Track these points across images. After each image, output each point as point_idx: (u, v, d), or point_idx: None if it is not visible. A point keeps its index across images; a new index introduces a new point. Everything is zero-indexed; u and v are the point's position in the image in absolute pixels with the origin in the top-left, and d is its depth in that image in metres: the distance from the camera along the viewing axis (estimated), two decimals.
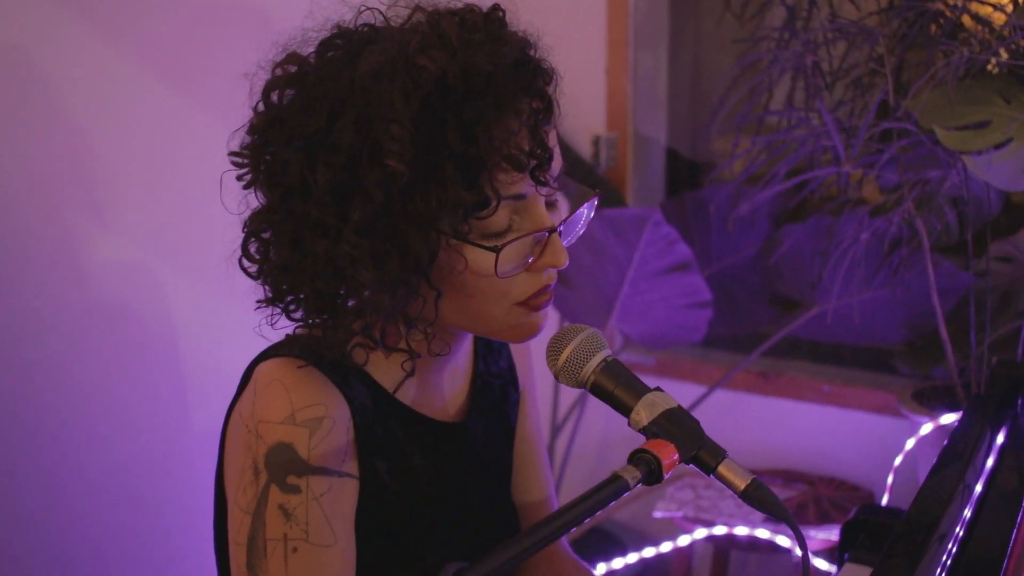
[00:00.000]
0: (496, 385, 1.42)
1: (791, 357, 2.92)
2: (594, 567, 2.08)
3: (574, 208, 1.21)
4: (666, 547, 2.55)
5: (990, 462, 1.61)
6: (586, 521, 0.98)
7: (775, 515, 1.05)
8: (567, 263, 1.17)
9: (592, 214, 1.25)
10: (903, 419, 2.43)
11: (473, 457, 1.36)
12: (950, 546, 1.31)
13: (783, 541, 2.44)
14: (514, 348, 1.48)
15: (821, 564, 2.41)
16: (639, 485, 1.01)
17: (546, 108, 1.13)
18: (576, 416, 2.87)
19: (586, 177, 2.88)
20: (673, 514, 2.58)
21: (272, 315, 1.18)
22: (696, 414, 1.09)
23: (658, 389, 1.10)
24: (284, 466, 1.13)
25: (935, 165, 2.27)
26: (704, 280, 2.56)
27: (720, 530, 2.48)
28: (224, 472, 1.24)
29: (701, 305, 2.55)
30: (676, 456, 1.03)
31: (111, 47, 2.22)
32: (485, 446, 1.39)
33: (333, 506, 1.16)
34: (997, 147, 2.10)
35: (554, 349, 1.11)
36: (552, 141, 1.15)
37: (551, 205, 1.18)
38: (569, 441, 2.85)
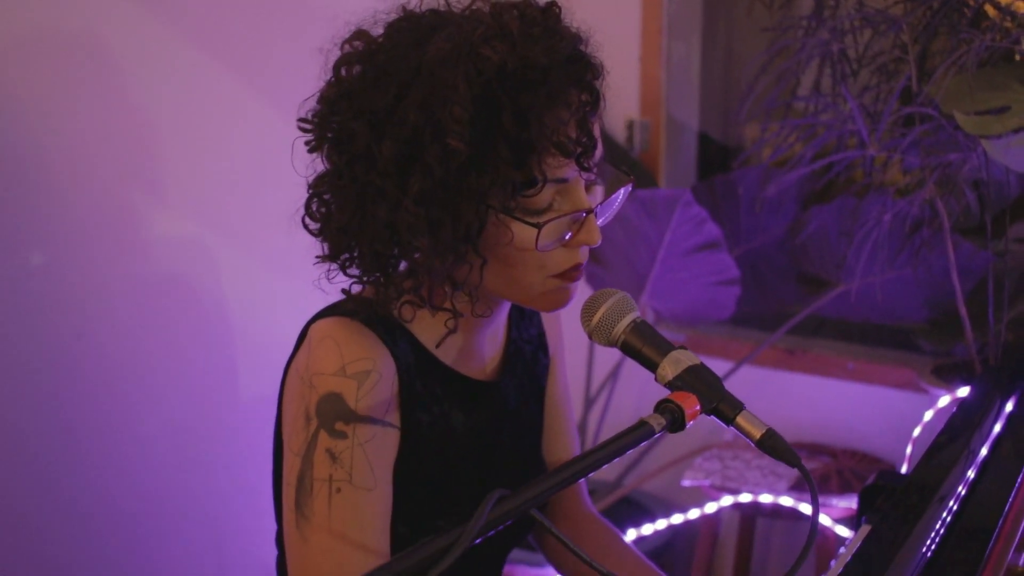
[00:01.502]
0: (527, 350, 1.53)
1: (817, 335, 3.02)
2: (624, 534, 2.19)
3: (610, 191, 1.32)
4: (694, 514, 2.67)
5: (998, 427, 1.70)
6: (615, 460, 1.08)
7: (788, 462, 1.15)
8: (600, 241, 1.29)
9: (625, 198, 1.36)
10: (923, 394, 2.53)
11: (506, 415, 1.47)
12: (951, 504, 1.41)
13: (806, 509, 2.54)
14: (545, 317, 1.59)
15: (843, 531, 2.51)
16: (664, 432, 1.12)
17: (594, 101, 1.23)
18: (608, 391, 2.98)
19: (620, 160, 2.98)
20: (701, 483, 2.69)
21: (329, 270, 1.29)
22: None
23: (682, 347, 1.21)
24: (333, 414, 1.24)
25: (956, 149, 2.35)
26: (732, 259, 2.66)
27: (746, 498, 2.59)
28: (281, 421, 1.36)
29: (729, 283, 2.66)
30: (698, 407, 1.13)
31: (169, 28, 2.34)
32: (517, 405, 1.49)
33: (376, 453, 1.27)
34: (1016, 131, 2.19)
35: (589, 310, 1.22)
36: (596, 131, 1.26)
37: (589, 188, 1.29)
38: (602, 415, 2.96)
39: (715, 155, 3.27)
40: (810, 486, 1.14)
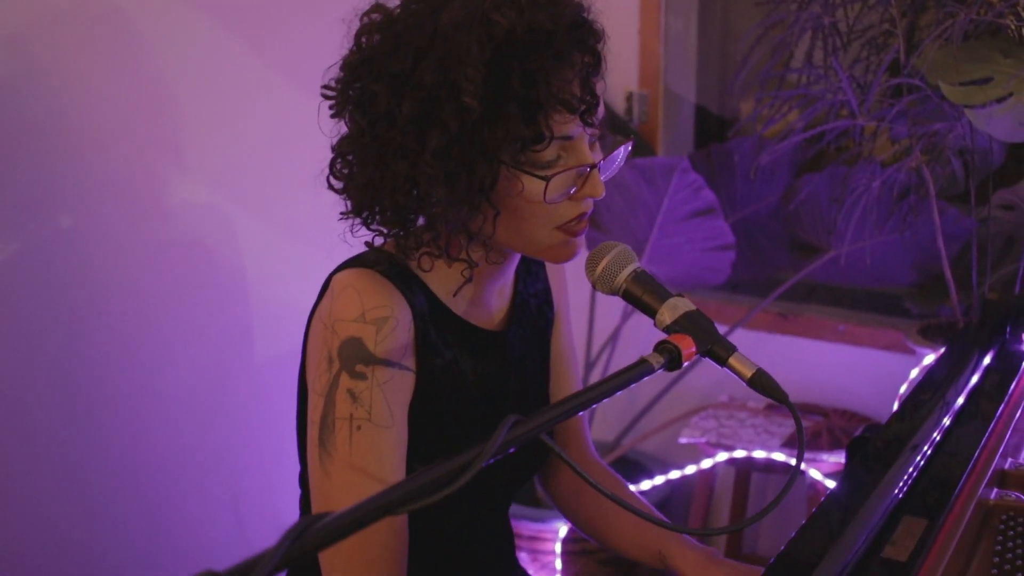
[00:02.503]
0: (533, 304, 1.63)
1: (809, 300, 3.13)
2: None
3: (609, 151, 1.43)
4: (690, 470, 2.78)
5: (974, 379, 1.81)
6: (617, 394, 1.18)
7: (777, 399, 1.25)
8: (604, 195, 1.39)
9: (626, 157, 1.46)
10: (910, 354, 2.64)
11: (512, 364, 1.57)
12: (926, 450, 1.51)
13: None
14: (550, 274, 1.68)
15: (832, 484, 2.62)
16: (662, 369, 1.22)
17: (596, 62, 1.34)
18: (608, 354, 3.09)
19: (620, 130, 3.09)
20: (697, 440, 2.80)
21: (353, 226, 1.40)
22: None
23: (680, 295, 1.31)
24: (354, 356, 1.34)
25: (942, 118, 2.46)
26: (728, 225, 2.77)
27: (740, 454, 2.70)
28: (306, 365, 1.47)
29: (724, 248, 2.76)
30: (693, 348, 1.23)
31: (190, 3, 2.44)
32: (523, 355, 1.60)
33: (393, 393, 1.37)
34: (998, 101, 2.30)
35: (593, 261, 1.32)
36: (599, 90, 1.36)
37: (592, 145, 1.39)
38: (602, 375, 3.07)
39: (712, 126, 3.37)
40: (796, 421, 1.24)
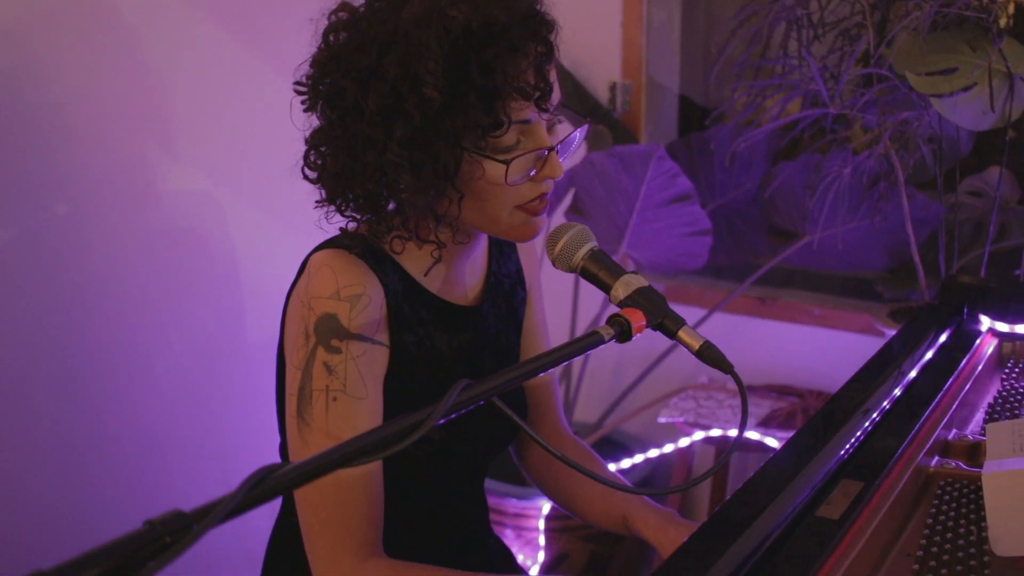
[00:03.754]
0: (506, 283, 1.72)
1: (787, 285, 3.22)
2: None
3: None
4: (668, 448, 2.87)
5: (929, 355, 1.90)
6: (568, 363, 1.27)
7: (723, 369, 1.32)
8: (562, 175, 1.48)
9: (583, 138, 1.54)
10: (881, 336, 2.72)
11: (486, 340, 1.65)
12: (874, 416, 1.60)
13: (771, 442, 2.74)
14: (523, 255, 1.76)
15: None
16: (612, 340, 1.30)
17: (548, 51, 1.42)
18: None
19: (602, 119, 3.17)
20: (675, 419, 2.88)
21: (328, 213, 1.48)
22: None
23: (634, 272, 1.39)
24: (329, 331, 1.42)
25: (910, 108, 2.54)
26: (705, 211, 2.84)
27: (715, 433, 2.79)
28: (284, 341, 1.55)
29: (702, 233, 2.84)
30: (644, 322, 1.31)
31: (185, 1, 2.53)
32: (496, 332, 1.68)
33: (367, 367, 1.45)
34: (964, 90, 2.37)
35: (552, 240, 1.41)
36: (552, 77, 1.44)
37: (551, 129, 1.48)
38: (584, 359, 3.16)
39: (696, 116, 3.45)
40: (740, 391, 1.31)
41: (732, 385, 3.06)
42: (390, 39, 1.37)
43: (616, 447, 3.19)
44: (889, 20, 2.63)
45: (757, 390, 3.04)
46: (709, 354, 1.32)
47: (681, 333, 1.33)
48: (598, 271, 1.38)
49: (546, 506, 2.94)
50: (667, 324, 1.33)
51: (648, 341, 3.00)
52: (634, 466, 2.92)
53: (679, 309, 3.06)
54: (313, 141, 1.47)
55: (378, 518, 1.47)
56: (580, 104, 3.15)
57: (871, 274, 2.97)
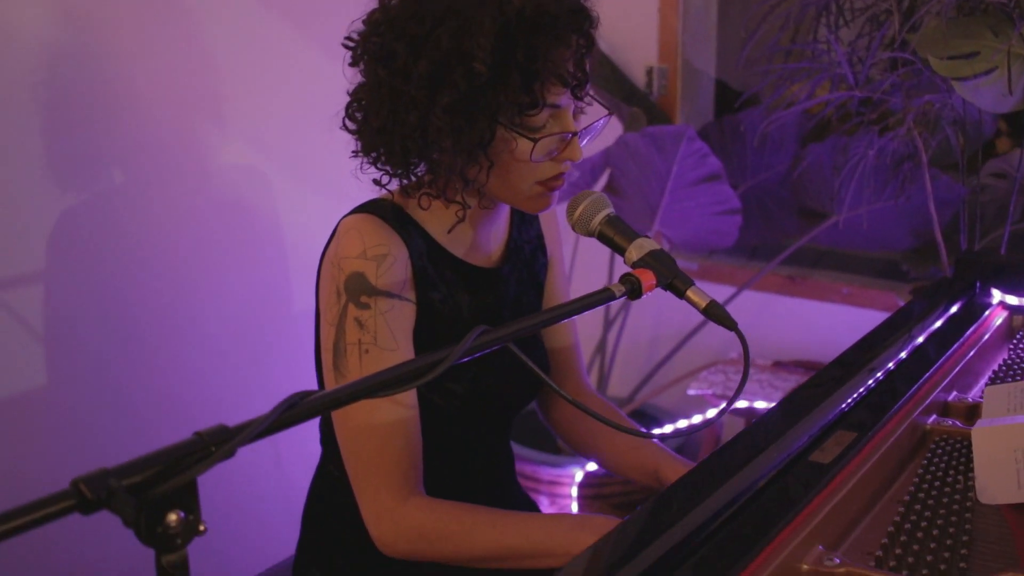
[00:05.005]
0: (527, 249, 1.83)
1: (817, 265, 3.30)
2: None
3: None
4: (697, 419, 2.97)
5: (939, 323, 1.99)
6: (576, 316, 1.36)
7: (727, 326, 1.42)
8: (581, 158, 1.59)
9: (604, 127, 1.64)
10: None
11: (507, 301, 1.76)
12: (878, 374, 1.70)
13: None
14: (544, 224, 1.88)
15: None
16: (624, 297, 1.40)
17: (588, 44, 1.54)
18: (625, 312, 3.28)
19: (639, 103, 3.26)
20: (704, 392, 2.98)
21: (362, 165, 1.59)
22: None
23: (647, 236, 1.50)
24: (358, 289, 1.54)
25: (934, 91, 2.61)
26: (738, 192, 2.94)
27: (742, 404, 2.88)
28: (319, 302, 1.67)
29: (731, 212, 2.93)
30: (654, 280, 1.41)
31: None
32: (517, 294, 1.79)
33: (395, 321, 1.57)
34: (986, 74, 2.45)
35: (572, 206, 1.51)
36: (588, 68, 1.56)
37: (576, 115, 1.59)
38: (619, 333, 3.26)
39: (731, 100, 3.53)
40: (743, 348, 1.41)
41: (761, 360, 3.16)
42: (445, 11, 1.48)
43: (648, 419, 3.30)
44: (916, 6, 2.71)
45: (786, 365, 3.13)
46: (715, 312, 1.41)
47: (689, 292, 1.43)
48: (614, 235, 1.48)
49: (579, 474, 3.05)
50: (676, 284, 1.43)
51: (682, 317, 3.11)
52: (664, 437, 3.02)
53: (712, 287, 3.19)
54: (357, 95, 1.58)
55: (417, 460, 1.58)
56: (617, 88, 3.25)
57: (897, 254, 3.05)
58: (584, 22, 1.52)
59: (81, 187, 2.43)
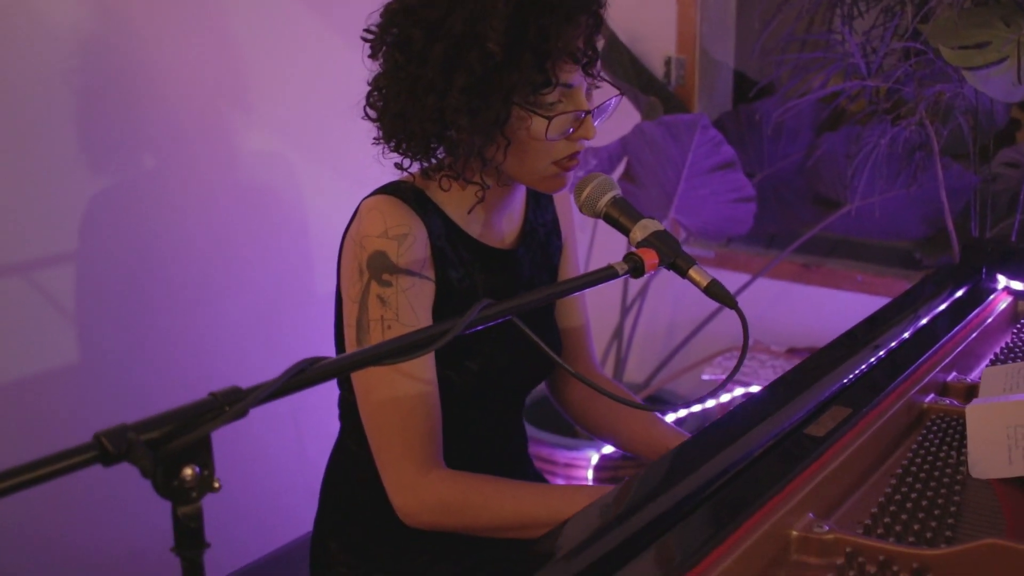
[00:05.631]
0: (541, 232, 1.87)
1: (832, 254, 3.34)
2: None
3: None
4: (710, 404, 3.02)
5: (942, 307, 2.03)
6: (589, 299, 1.42)
7: (728, 304, 1.46)
8: (595, 137, 1.63)
9: (616, 107, 1.69)
10: None
11: (522, 282, 1.80)
12: (880, 353, 1.74)
13: None
14: (558, 207, 1.92)
15: None
16: (627, 275, 1.45)
17: (597, 23, 1.59)
18: (642, 299, 3.32)
19: (657, 93, 3.31)
20: (717, 377, 3.03)
21: (383, 151, 1.65)
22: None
23: (652, 218, 1.54)
24: (380, 267, 1.59)
25: (946, 81, 2.65)
26: (754, 181, 2.98)
27: (755, 389, 2.93)
28: (340, 280, 1.72)
29: (745, 200, 2.97)
30: (656, 260, 1.45)
31: None
32: (531, 275, 1.83)
33: (416, 298, 1.62)
34: (997, 63, 2.48)
35: (579, 188, 1.56)
36: (599, 46, 1.61)
37: (588, 96, 1.64)
38: (635, 319, 3.31)
39: (749, 90, 3.57)
40: (743, 326, 1.45)
41: (775, 346, 3.20)
42: None
43: (663, 404, 3.35)
44: None
45: (800, 352, 3.17)
46: (716, 290, 1.45)
47: (691, 272, 1.46)
48: (619, 216, 1.53)
49: (595, 457, 3.10)
50: (679, 263, 1.46)
51: (698, 304, 3.15)
52: (677, 420, 3.07)
53: (728, 275, 3.22)
54: (377, 83, 1.63)
55: (437, 434, 1.63)
56: (636, 77, 3.30)
57: (910, 242, 3.09)
58: (592, 2, 1.57)
59: (111, 172, 2.50)
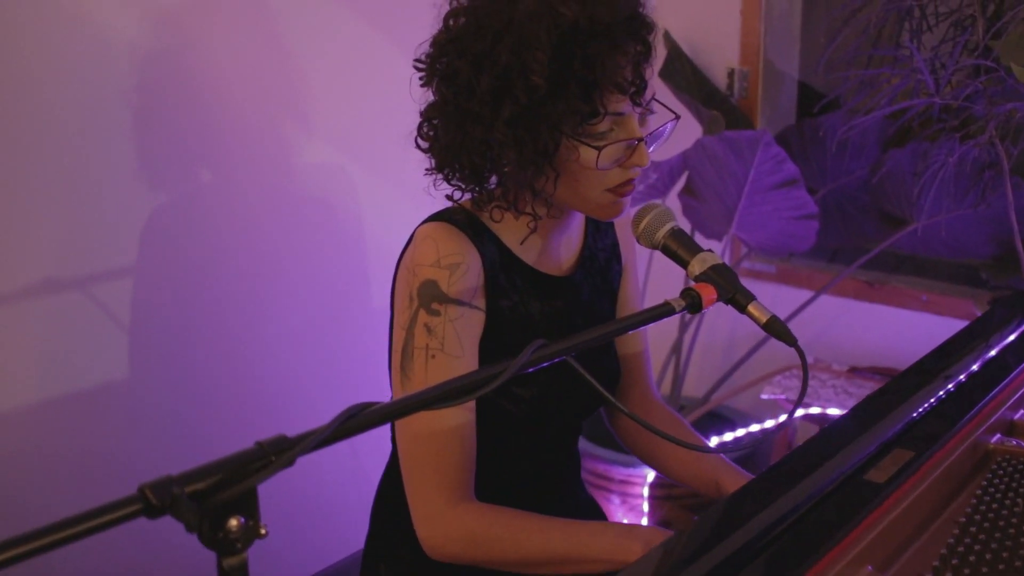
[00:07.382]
0: (601, 257, 1.85)
1: (896, 271, 3.28)
2: (708, 440, 2.48)
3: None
4: (769, 423, 2.97)
5: (1012, 338, 1.97)
6: (640, 329, 1.39)
7: (787, 342, 1.43)
8: (648, 164, 1.60)
9: (672, 132, 1.66)
10: None
11: (579, 306, 1.78)
12: (949, 385, 1.70)
13: None
14: (620, 231, 1.90)
15: None
16: (684, 312, 1.43)
17: (646, 51, 1.56)
18: (697, 322, 3.28)
19: (720, 105, 3.27)
20: (777, 396, 2.98)
21: (435, 181, 1.64)
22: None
23: (710, 251, 1.51)
24: (430, 296, 1.58)
25: (1018, 99, 2.58)
26: (817, 196, 2.93)
27: (815, 411, 2.88)
28: (393, 304, 1.71)
29: (808, 217, 2.92)
30: (715, 295, 1.43)
31: None
32: (590, 300, 1.81)
33: (464, 328, 1.61)
34: None
35: (637, 219, 1.53)
36: (648, 75, 1.58)
37: (643, 121, 1.61)
38: (694, 335, 3.27)
39: (815, 103, 3.51)
40: (802, 361, 1.43)
41: (837, 365, 3.14)
42: (504, 28, 1.51)
43: (721, 421, 3.30)
44: (1002, 12, 2.67)
45: (862, 371, 3.12)
46: (775, 327, 1.42)
47: (750, 307, 1.44)
48: (677, 248, 1.50)
49: (651, 474, 3.07)
50: (738, 299, 1.44)
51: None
52: (737, 440, 3.03)
53: (789, 290, 3.16)
54: (427, 114, 1.63)
55: (470, 467, 1.62)
56: (698, 89, 3.25)
57: (976, 262, 3.02)
58: (640, 28, 1.54)
59: (169, 186, 2.51)
